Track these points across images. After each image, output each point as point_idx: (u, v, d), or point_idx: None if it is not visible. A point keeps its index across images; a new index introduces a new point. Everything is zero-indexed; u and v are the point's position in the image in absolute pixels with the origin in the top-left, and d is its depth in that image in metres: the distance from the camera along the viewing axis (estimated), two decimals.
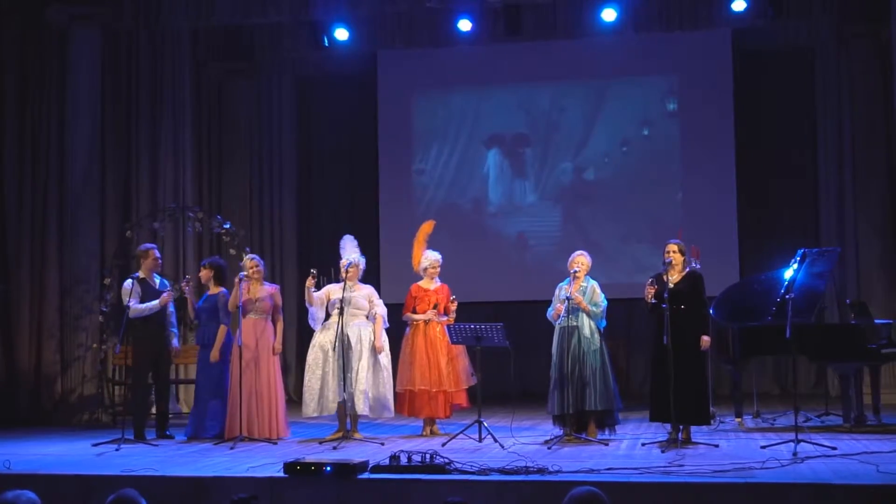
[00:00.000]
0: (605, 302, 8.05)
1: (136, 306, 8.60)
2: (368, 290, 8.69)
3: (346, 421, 8.35)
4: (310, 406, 8.43)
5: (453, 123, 12.80)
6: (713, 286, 8.59)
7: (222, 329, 8.73)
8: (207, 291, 8.95)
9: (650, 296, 7.65)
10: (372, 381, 8.44)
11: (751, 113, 12.18)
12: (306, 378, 8.50)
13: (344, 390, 8.22)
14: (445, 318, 8.67)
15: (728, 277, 10.71)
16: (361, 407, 8.35)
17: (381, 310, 8.67)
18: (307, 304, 8.56)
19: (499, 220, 12.67)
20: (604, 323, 8.05)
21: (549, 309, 8.10)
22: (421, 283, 8.84)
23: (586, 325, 7.96)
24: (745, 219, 12.02)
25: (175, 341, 8.90)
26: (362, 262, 8.72)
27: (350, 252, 8.71)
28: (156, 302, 8.66)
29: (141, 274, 8.80)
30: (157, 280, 8.88)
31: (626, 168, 12.37)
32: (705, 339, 7.61)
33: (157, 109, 11.67)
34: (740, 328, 8.71)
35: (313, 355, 8.49)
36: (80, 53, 10.70)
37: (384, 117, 12.87)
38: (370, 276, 11.42)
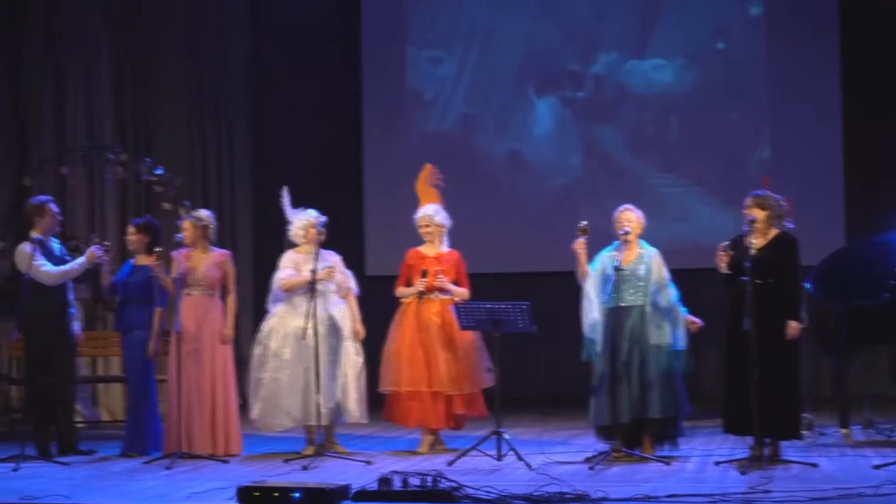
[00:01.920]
0: (674, 290, 8.04)
1: (53, 270, 8.54)
2: (337, 259, 8.71)
3: (316, 431, 8.34)
4: (288, 415, 8.42)
5: (460, 30, 12.64)
6: (811, 252, 8.52)
7: (158, 313, 8.75)
8: (132, 260, 8.90)
9: (724, 265, 7.63)
10: (358, 379, 8.56)
11: (865, 19, 11.98)
12: (275, 376, 8.47)
13: (318, 392, 8.20)
14: (449, 295, 8.63)
15: (830, 240, 10.66)
16: (357, 413, 8.45)
17: (353, 284, 8.77)
18: (282, 291, 8.57)
19: (518, 165, 12.56)
20: (680, 306, 8.04)
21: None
22: (421, 247, 8.79)
23: (650, 304, 7.94)
24: (853, 161, 11.88)
25: (76, 325, 8.88)
26: None
27: (291, 208, 8.71)
28: (83, 259, 8.62)
29: (35, 233, 8.76)
30: (57, 246, 8.84)
31: (693, 96, 12.24)
32: (793, 324, 7.58)
33: (60, 20, 11.57)
34: (847, 309, 8.67)
35: (289, 347, 8.46)
36: None
37: (369, 18, 12.72)
38: (354, 240, 11.44)
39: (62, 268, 8.60)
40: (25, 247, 8.65)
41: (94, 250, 8.61)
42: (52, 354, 8.72)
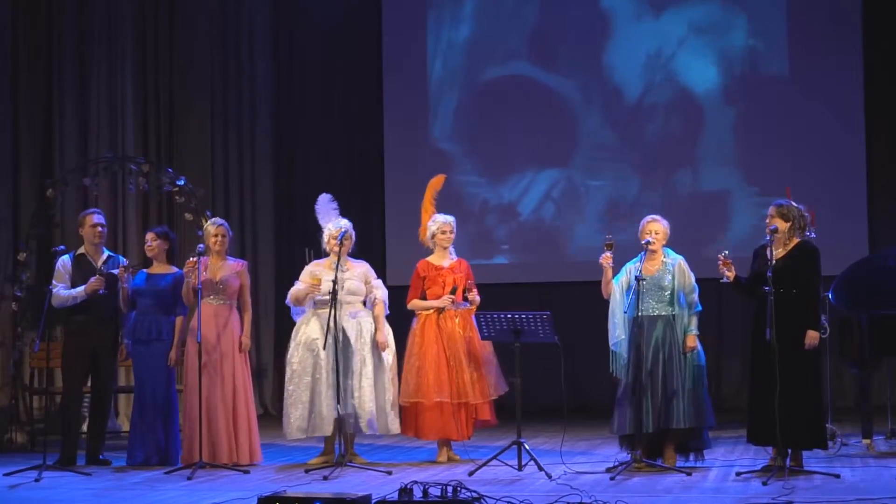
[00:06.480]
0: (697, 288, 8.06)
1: (58, 292, 8.63)
2: (363, 269, 8.71)
3: (336, 441, 8.36)
4: (294, 425, 8.50)
5: (491, 29, 12.62)
6: (834, 262, 8.48)
7: (179, 321, 8.79)
8: (144, 270, 8.86)
9: (729, 272, 7.65)
10: (376, 390, 8.50)
11: (889, 26, 11.81)
12: (290, 388, 8.56)
13: (339, 402, 8.22)
14: (466, 306, 8.63)
15: (854, 250, 10.63)
16: (366, 426, 8.44)
17: (381, 293, 8.69)
18: (291, 303, 8.69)
19: (537, 170, 12.54)
20: (699, 307, 8.05)
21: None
22: (431, 258, 8.79)
23: (678, 314, 7.95)
24: (878, 166, 11.76)
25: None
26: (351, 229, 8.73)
27: (330, 216, 8.72)
28: (81, 289, 8.65)
29: (83, 248, 8.81)
30: (105, 255, 8.86)
31: (717, 103, 12.19)
32: (812, 333, 7.55)
33: (86, 30, 11.63)
34: (870, 318, 8.64)
35: (298, 357, 8.53)
36: None
37: (390, 22, 12.74)
38: (374, 251, 11.45)
39: (70, 292, 8.65)
40: (61, 261, 8.72)
41: (93, 281, 8.61)
42: (92, 365, 8.79)
